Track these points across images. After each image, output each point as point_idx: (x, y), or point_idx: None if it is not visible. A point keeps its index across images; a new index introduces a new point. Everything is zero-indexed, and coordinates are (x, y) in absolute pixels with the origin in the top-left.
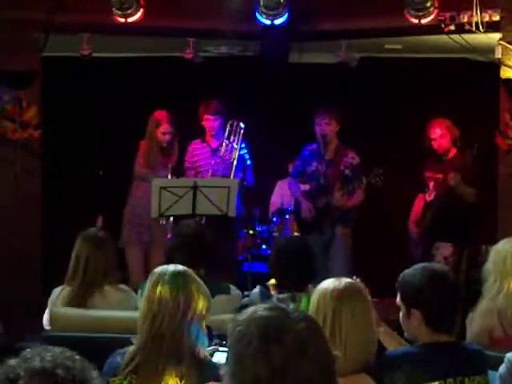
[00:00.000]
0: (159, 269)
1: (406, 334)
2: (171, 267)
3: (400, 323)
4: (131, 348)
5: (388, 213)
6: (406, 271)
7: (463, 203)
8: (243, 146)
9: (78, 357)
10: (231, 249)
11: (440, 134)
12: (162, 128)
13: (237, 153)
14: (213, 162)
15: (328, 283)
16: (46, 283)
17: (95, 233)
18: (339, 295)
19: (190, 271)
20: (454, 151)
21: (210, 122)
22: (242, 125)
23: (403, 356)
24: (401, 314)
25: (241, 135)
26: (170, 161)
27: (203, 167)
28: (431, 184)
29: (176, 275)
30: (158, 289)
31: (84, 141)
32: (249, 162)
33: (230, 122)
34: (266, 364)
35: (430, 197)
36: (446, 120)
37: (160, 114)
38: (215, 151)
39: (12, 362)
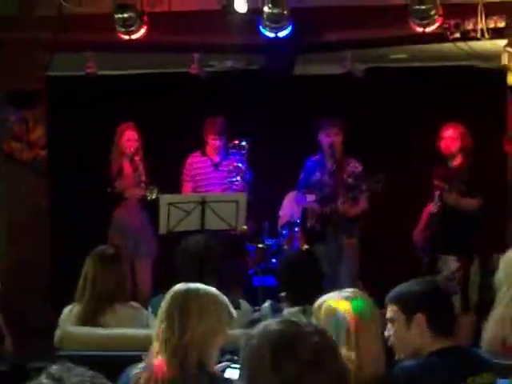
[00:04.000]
0: (175, 287)
1: (397, 356)
2: (183, 286)
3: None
4: (142, 364)
5: (396, 223)
6: (399, 286)
7: (467, 214)
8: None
9: (106, 381)
10: (241, 263)
11: (450, 136)
12: (126, 135)
13: (243, 173)
14: (215, 175)
15: (332, 295)
16: (56, 302)
17: (103, 250)
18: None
19: (204, 290)
20: (459, 159)
21: (215, 141)
22: (244, 143)
23: (416, 367)
24: (394, 330)
25: (244, 155)
26: (137, 166)
27: (204, 181)
28: (437, 193)
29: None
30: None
31: (91, 158)
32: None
33: (234, 141)
34: (279, 378)
35: (434, 207)
36: (460, 125)
37: (123, 125)
38: (217, 166)
39: (45, 381)
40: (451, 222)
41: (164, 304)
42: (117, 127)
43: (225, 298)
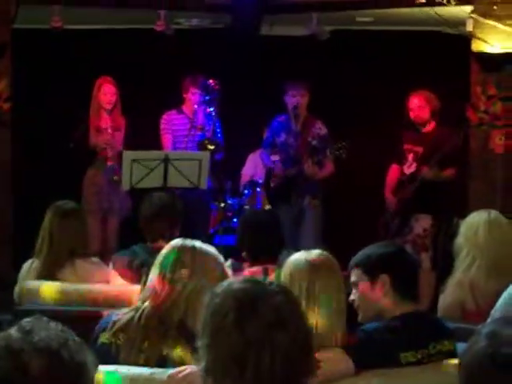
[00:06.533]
0: (173, 241)
1: (360, 318)
2: (180, 240)
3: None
4: (125, 309)
5: (361, 185)
6: (363, 249)
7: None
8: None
9: (76, 337)
10: (202, 221)
11: (418, 105)
12: (104, 89)
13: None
14: (192, 133)
15: (300, 255)
16: (17, 257)
17: (60, 205)
18: (314, 268)
19: (200, 246)
20: (432, 124)
21: (196, 96)
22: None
23: (377, 330)
24: (357, 294)
25: (216, 95)
26: (116, 120)
27: (182, 137)
28: (410, 156)
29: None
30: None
31: (55, 113)
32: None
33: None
34: (241, 337)
35: (409, 169)
36: (425, 91)
37: (101, 78)
38: (194, 123)
39: (13, 333)
40: (428, 185)
41: (160, 256)
42: (82, 81)
43: (220, 258)
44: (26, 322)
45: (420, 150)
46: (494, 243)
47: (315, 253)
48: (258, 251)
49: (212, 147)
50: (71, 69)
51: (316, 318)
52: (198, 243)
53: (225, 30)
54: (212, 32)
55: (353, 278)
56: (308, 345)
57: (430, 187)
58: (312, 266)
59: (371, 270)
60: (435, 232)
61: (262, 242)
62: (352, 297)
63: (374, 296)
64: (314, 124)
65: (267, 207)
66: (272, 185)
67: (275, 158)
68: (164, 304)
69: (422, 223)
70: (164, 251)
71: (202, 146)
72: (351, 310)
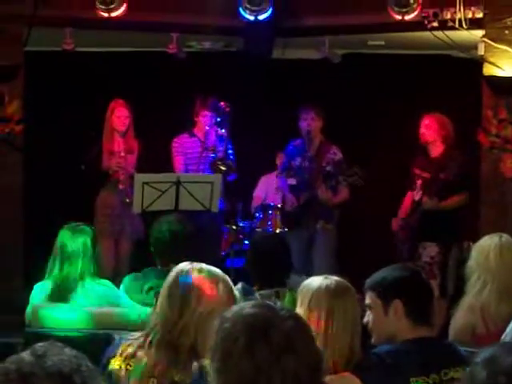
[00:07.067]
0: (179, 265)
1: (373, 341)
2: (187, 264)
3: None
4: (137, 333)
5: (375, 210)
6: (378, 272)
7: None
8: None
9: (89, 363)
10: (214, 244)
11: (426, 126)
12: (117, 112)
13: (225, 144)
14: (204, 155)
15: (319, 281)
16: (29, 279)
17: (73, 226)
18: (333, 294)
19: (208, 269)
20: (441, 148)
21: (207, 118)
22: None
23: (389, 353)
24: (371, 316)
25: (227, 117)
26: (129, 143)
27: (194, 160)
28: (419, 182)
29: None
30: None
31: (66, 135)
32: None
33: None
34: (251, 362)
35: (417, 195)
36: (439, 115)
37: (115, 101)
38: (206, 144)
39: (26, 357)
40: (434, 213)
41: (167, 281)
42: (94, 103)
43: (229, 281)
44: (40, 346)
45: (428, 176)
46: (505, 267)
47: (333, 279)
48: (265, 277)
49: (224, 168)
50: (83, 91)
51: (334, 343)
52: (205, 266)
53: (237, 53)
54: (224, 55)
55: (367, 301)
56: (319, 370)
57: (433, 216)
58: (331, 293)
59: (385, 294)
60: (442, 259)
61: (269, 268)
62: (366, 319)
63: (388, 320)
64: (329, 149)
65: (278, 230)
66: (290, 209)
67: (292, 181)
68: (174, 329)
69: (429, 251)
70: (172, 274)
71: (214, 166)
72: (364, 332)
